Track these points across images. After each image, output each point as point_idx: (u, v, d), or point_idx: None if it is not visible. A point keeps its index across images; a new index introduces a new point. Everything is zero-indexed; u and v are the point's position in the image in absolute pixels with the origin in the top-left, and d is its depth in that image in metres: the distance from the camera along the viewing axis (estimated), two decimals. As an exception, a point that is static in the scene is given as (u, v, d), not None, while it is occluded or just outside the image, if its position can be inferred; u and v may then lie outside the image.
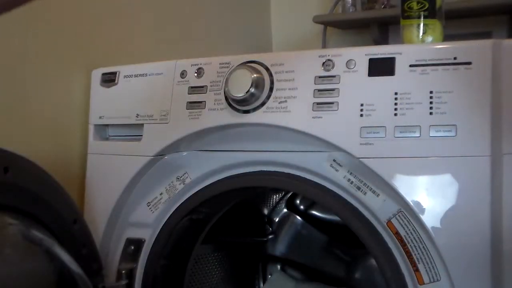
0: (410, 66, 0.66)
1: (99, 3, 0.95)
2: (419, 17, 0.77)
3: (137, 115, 0.83)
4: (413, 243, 0.66)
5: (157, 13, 1.10)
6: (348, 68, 0.69)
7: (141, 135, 0.82)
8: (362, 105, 0.68)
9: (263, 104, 0.73)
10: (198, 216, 0.86)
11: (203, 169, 0.80)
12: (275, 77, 0.73)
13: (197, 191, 0.81)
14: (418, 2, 0.77)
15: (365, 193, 0.69)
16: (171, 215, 0.83)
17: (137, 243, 0.85)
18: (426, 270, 0.66)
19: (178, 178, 0.82)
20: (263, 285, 1.14)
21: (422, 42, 0.77)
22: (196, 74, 0.79)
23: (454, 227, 0.64)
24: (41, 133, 0.85)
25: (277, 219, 1.12)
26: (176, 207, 0.83)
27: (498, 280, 0.62)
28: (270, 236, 1.12)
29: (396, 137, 0.66)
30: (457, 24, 1.28)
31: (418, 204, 0.65)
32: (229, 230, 1.00)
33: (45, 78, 0.86)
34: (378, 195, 0.69)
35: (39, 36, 0.84)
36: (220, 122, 0.76)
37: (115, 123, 0.86)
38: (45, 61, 0.86)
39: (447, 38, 0.78)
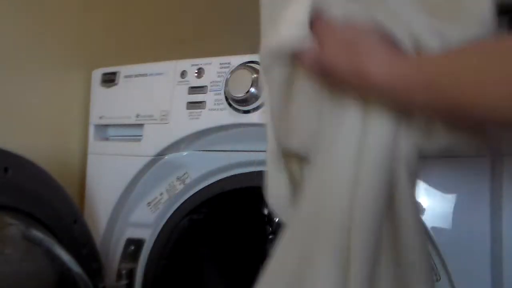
0: (410, 66, 0.66)
1: (99, 3, 0.95)
2: (419, 17, 0.77)
3: (137, 115, 0.83)
4: (413, 243, 0.66)
5: (157, 13, 1.10)
6: (348, 68, 0.69)
7: (141, 135, 0.82)
8: (362, 105, 0.68)
9: (263, 104, 0.73)
10: (198, 216, 0.86)
11: (203, 169, 0.80)
12: (275, 77, 0.73)
13: (197, 191, 0.81)
14: (418, 2, 0.77)
15: (365, 193, 0.69)
16: (171, 215, 0.83)
17: (137, 243, 0.85)
18: (426, 270, 0.65)
19: (178, 178, 0.82)
20: (263, 285, 1.14)
21: (422, 42, 0.77)
22: (196, 74, 0.79)
23: (454, 227, 0.64)
24: (41, 133, 0.85)
25: (277, 219, 1.12)
26: (176, 207, 0.83)
27: (498, 280, 0.62)
28: (270, 236, 1.12)
29: (396, 137, 0.66)
30: (457, 24, 1.28)
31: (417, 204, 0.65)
32: (229, 230, 1.00)
33: (45, 78, 0.86)
34: (378, 195, 0.68)
35: (39, 36, 0.84)
36: (220, 122, 0.76)
37: (115, 123, 0.86)
38: (45, 61, 0.86)
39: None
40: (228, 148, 0.79)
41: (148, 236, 0.84)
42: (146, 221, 0.84)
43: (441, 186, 0.64)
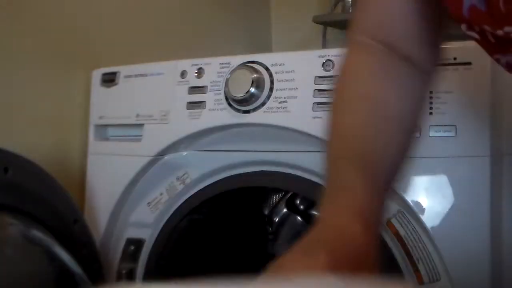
0: (410, 66, 0.66)
1: (99, 3, 0.95)
2: (419, 17, 0.77)
3: (137, 115, 0.83)
4: (413, 243, 0.66)
5: (157, 13, 1.10)
6: (348, 68, 0.69)
7: (141, 135, 0.82)
8: (362, 105, 0.68)
9: (263, 104, 0.73)
10: (199, 216, 0.86)
11: (203, 169, 0.80)
12: (275, 77, 0.73)
13: (197, 191, 0.81)
14: (418, 2, 0.77)
15: (365, 193, 0.69)
16: (171, 215, 0.83)
17: (137, 243, 0.85)
18: (426, 270, 0.66)
19: (178, 178, 0.82)
20: (263, 285, 1.14)
21: (422, 42, 0.77)
22: (196, 74, 0.79)
23: (453, 227, 0.64)
24: (41, 133, 0.85)
25: (277, 219, 1.12)
26: (176, 207, 0.83)
27: (498, 280, 0.62)
28: (270, 236, 1.12)
29: (395, 137, 0.66)
30: (457, 24, 1.28)
31: (417, 204, 0.65)
32: (230, 231, 1.00)
33: (45, 78, 0.86)
34: (378, 195, 0.68)
35: (39, 36, 0.84)
36: (220, 122, 0.76)
37: (115, 123, 0.86)
38: (45, 61, 0.86)
39: (447, 38, 0.78)
40: (228, 148, 0.79)
41: (148, 236, 0.84)
42: (146, 221, 0.84)
43: (441, 186, 0.64)
